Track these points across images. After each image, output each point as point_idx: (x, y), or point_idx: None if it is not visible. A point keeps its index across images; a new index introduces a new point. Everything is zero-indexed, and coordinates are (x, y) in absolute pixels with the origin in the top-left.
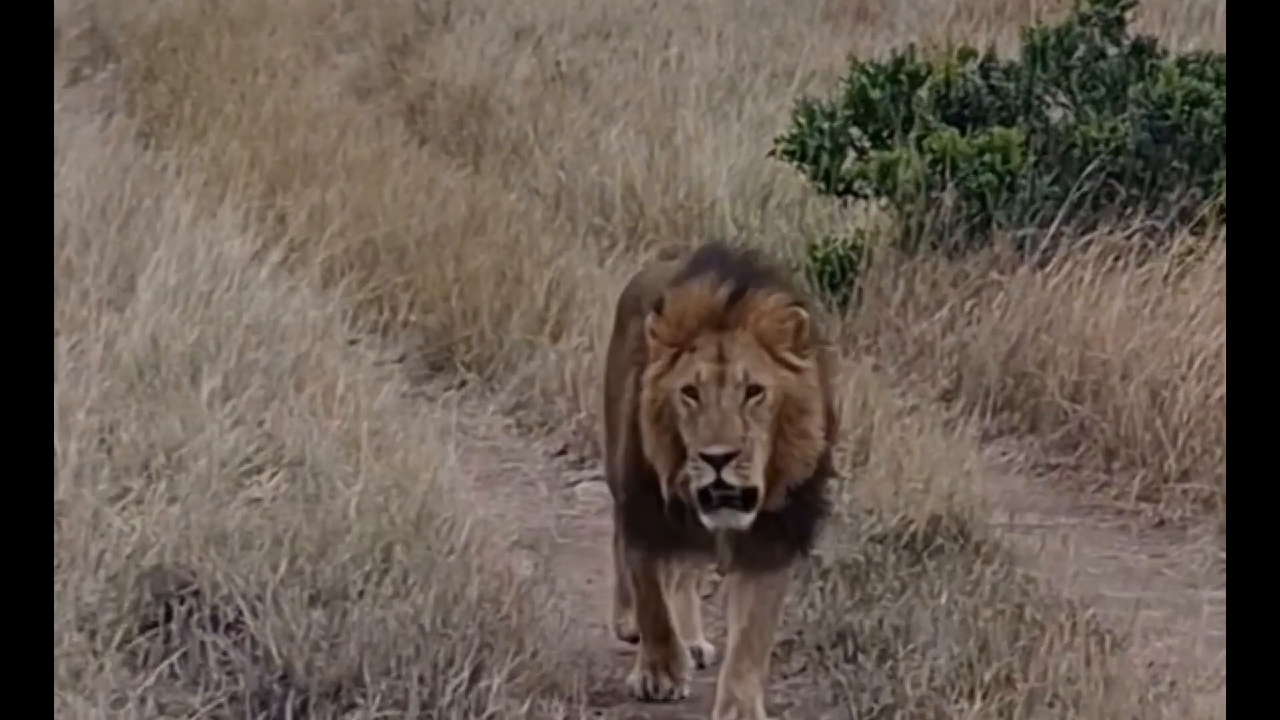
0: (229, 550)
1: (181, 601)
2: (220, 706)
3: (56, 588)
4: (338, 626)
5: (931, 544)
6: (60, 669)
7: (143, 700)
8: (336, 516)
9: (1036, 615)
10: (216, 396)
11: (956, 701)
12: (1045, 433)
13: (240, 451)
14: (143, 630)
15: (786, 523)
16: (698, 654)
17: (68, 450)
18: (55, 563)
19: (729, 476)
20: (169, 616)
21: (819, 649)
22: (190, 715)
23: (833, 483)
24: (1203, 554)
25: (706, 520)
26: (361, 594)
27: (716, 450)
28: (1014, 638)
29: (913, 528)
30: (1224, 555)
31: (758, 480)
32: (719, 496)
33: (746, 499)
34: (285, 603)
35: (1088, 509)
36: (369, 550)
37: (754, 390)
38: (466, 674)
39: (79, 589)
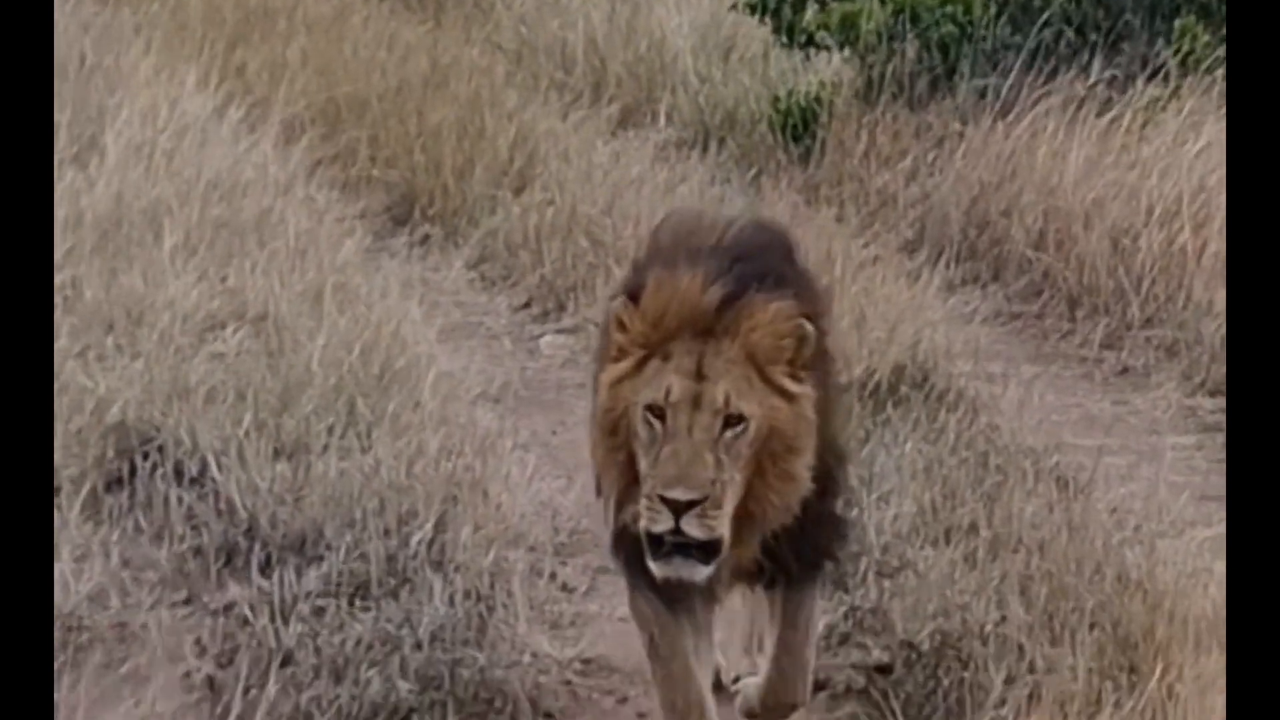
0: (192, 405)
1: (145, 456)
2: (185, 560)
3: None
4: (301, 479)
5: (895, 393)
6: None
7: (107, 554)
8: (299, 371)
9: (1000, 462)
10: (179, 253)
11: (921, 548)
12: (1008, 282)
13: (203, 307)
14: (106, 485)
15: (806, 543)
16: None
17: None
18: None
19: (690, 527)
20: (133, 471)
21: None
22: (155, 569)
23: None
24: (1165, 400)
25: (655, 568)
26: (325, 447)
27: (679, 495)
28: (978, 484)
29: (876, 377)
30: (1187, 401)
31: (723, 531)
32: (674, 545)
33: (707, 550)
34: (249, 456)
35: (1051, 357)
36: (332, 404)
37: (734, 420)
38: (430, 526)
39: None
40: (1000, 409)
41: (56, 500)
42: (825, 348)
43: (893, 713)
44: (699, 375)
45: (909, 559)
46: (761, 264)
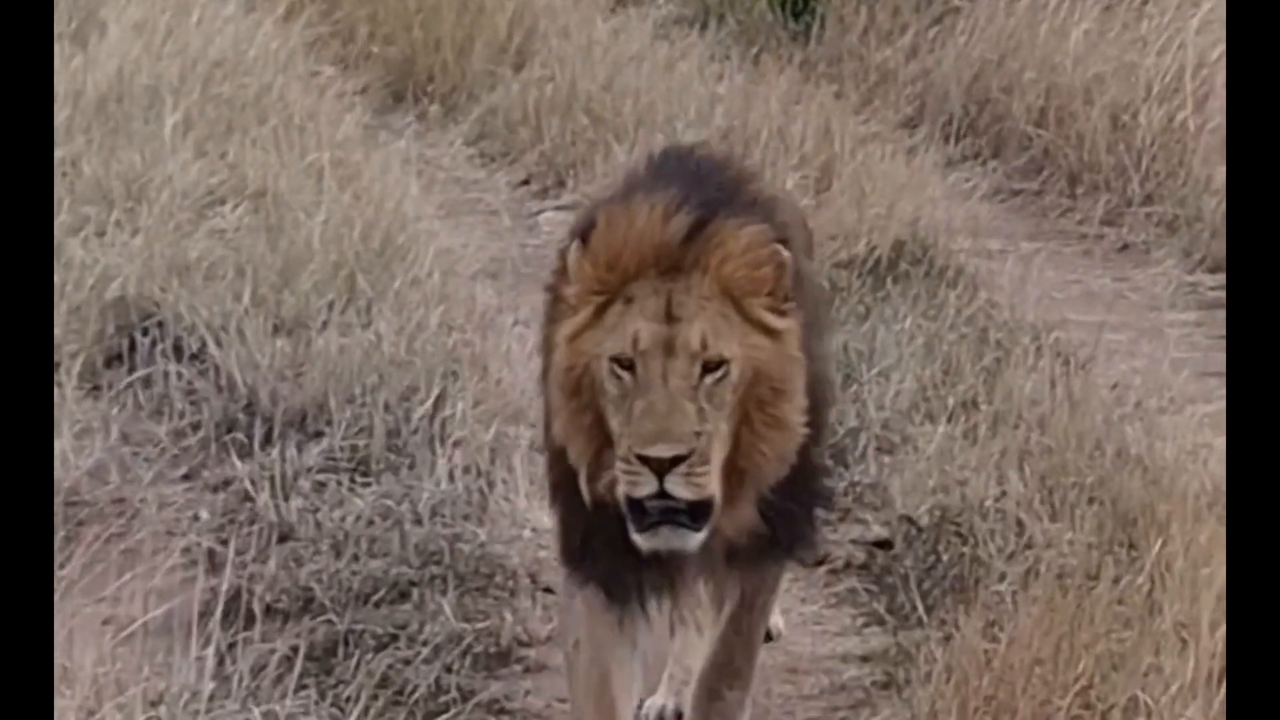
0: (192, 281)
1: (145, 332)
2: (185, 436)
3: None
4: (301, 355)
5: (895, 269)
6: None
7: (106, 430)
8: (299, 247)
9: (1000, 338)
10: (179, 129)
11: (921, 424)
12: (1008, 158)
13: (202, 183)
14: (106, 361)
15: (773, 515)
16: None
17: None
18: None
19: (675, 487)
20: (133, 347)
21: None
22: (155, 445)
23: (825, 463)
24: (1166, 277)
25: (640, 540)
26: (325, 323)
27: (660, 452)
28: (978, 360)
29: (876, 253)
30: (1187, 278)
31: (713, 489)
32: (659, 510)
33: (697, 513)
34: (249, 332)
35: (1051, 234)
36: (332, 280)
37: (714, 364)
38: (431, 401)
39: None
40: (1000, 285)
41: (56, 376)
42: (805, 276)
43: (892, 588)
44: (669, 317)
45: (909, 434)
46: (725, 188)
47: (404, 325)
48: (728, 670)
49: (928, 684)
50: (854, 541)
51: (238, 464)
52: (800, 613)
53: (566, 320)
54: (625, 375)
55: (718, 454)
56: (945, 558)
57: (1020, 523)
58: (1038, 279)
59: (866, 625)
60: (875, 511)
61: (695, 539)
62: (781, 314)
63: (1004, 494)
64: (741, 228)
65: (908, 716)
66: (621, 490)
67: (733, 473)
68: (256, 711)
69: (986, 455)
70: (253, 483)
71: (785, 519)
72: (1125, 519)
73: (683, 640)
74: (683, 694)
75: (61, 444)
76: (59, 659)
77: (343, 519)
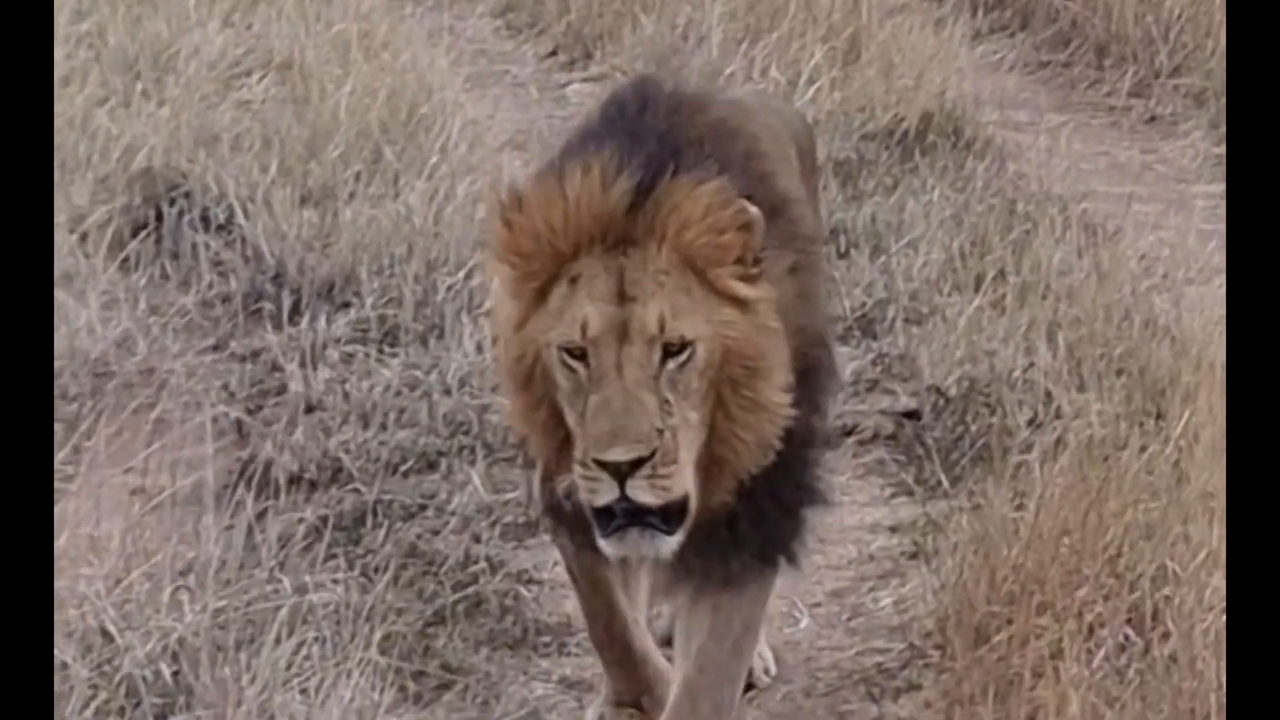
0: (219, 152)
1: (172, 203)
2: (212, 306)
3: None
4: (329, 226)
5: (923, 141)
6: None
7: (134, 301)
8: (326, 118)
9: (1028, 210)
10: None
11: (949, 295)
12: (1037, 30)
13: (229, 54)
14: (133, 232)
15: (747, 522)
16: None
17: (55, 55)
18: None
19: (639, 493)
20: (159, 218)
21: None
22: (182, 315)
23: (820, 454)
24: (1194, 149)
25: (606, 547)
26: (352, 194)
27: (618, 456)
28: (1006, 232)
29: (904, 125)
30: (1218, 149)
31: (685, 487)
32: (625, 513)
33: (669, 516)
34: (276, 203)
35: (1079, 105)
36: (359, 150)
37: (676, 347)
38: (460, 273)
39: (69, 191)
40: (1028, 157)
41: (83, 246)
42: (794, 217)
43: (920, 458)
44: (621, 297)
45: (937, 306)
46: (676, 135)
47: (432, 196)
48: (696, 709)
49: (955, 554)
50: (882, 412)
51: (266, 335)
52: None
53: (510, 304)
54: (577, 366)
55: (688, 448)
56: (973, 428)
57: (1048, 393)
58: (1065, 151)
59: (894, 496)
60: (903, 382)
61: (669, 543)
62: (752, 280)
63: (1032, 365)
64: (697, 186)
65: (936, 586)
66: (582, 497)
67: (711, 463)
68: (285, 581)
69: (1014, 326)
70: (281, 353)
71: (761, 520)
72: (1153, 389)
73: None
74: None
75: (88, 314)
76: (87, 529)
77: (371, 389)
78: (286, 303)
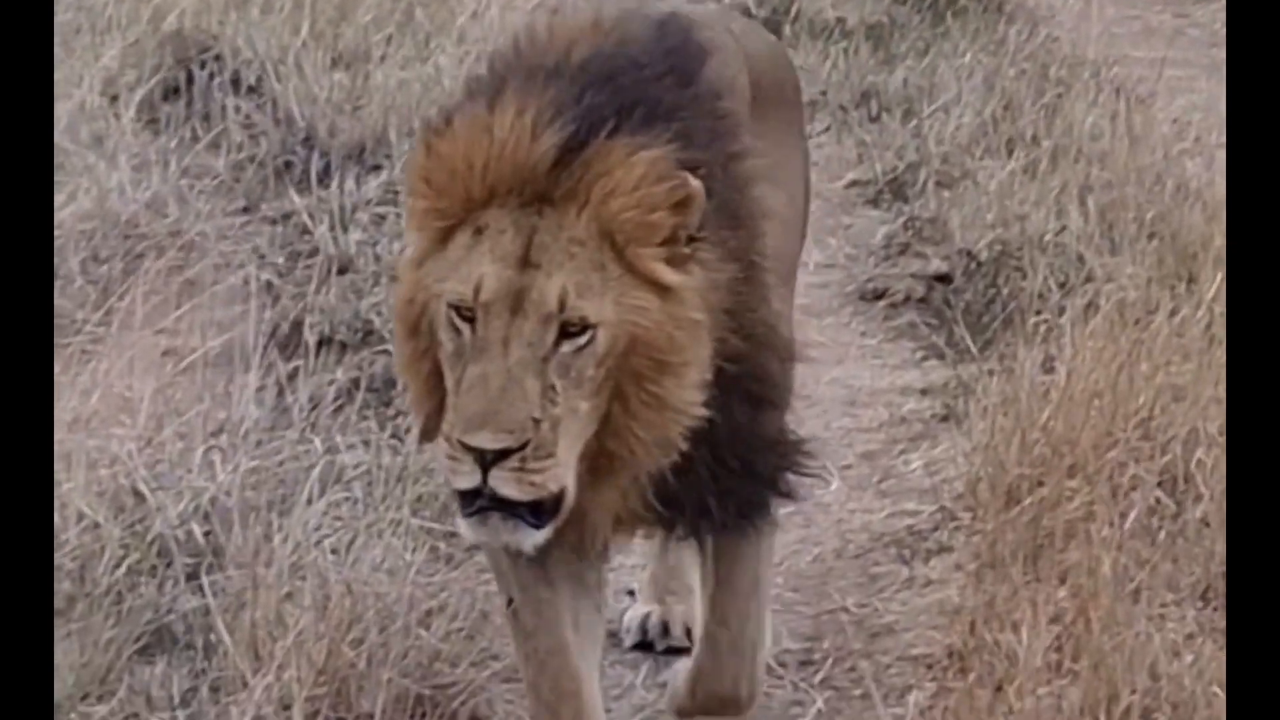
0: (249, 14)
1: (202, 65)
2: (243, 169)
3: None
4: (360, 89)
5: (955, 3)
6: (83, 133)
7: (165, 163)
8: None
9: (1061, 74)
10: None
11: (981, 159)
12: None
13: None
14: (164, 94)
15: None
16: None
17: None
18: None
19: (502, 485)
20: (190, 81)
21: (842, 109)
22: (213, 178)
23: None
24: (1225, 13)
25: (465, 530)
26: (383, 57)
27: (483, 442)
28: (1038, 96)
29: None
30: None
31: (559, 483)
32: (490, 499)
33: (539, 510)
34: (307, 65)
35: None
36: (390, 13)
37: (574, 328)
38: None
39: (99, 52)
40: (1060, 21)
41: (114, 108)
42: (751, 198)
43: (951, 321)
44: (524, 262)
45: (968, 169)
46: (629, 90)
47: (463, 59)
48: (718, 679)
49: (986, 416)
50: (913, 275)
51: (296, 197)
52: (860, 346)
53: (410, 238)
54: (464, 329)
55: (571, 440)
56: (1004, 292)
57: (1080, 257)
58: (1098, 15)
59: (925, 359)
60: (934, 246)
61: (533, 536)
62: (680, 264)
63: (1064, 228)
64: (634, 151)
65: (967, 448)
66: (443, 473)
67: (601, 457)
68: (316, 441)
69: (1046, 190)
70: (311, 216)
71: (745, 484)
72: (1184, 253)
73: (662, 544)
74: (669, 603)
75: (119, 177)
76: (119, 389)
77: (401, 250)
78: (317, 165)
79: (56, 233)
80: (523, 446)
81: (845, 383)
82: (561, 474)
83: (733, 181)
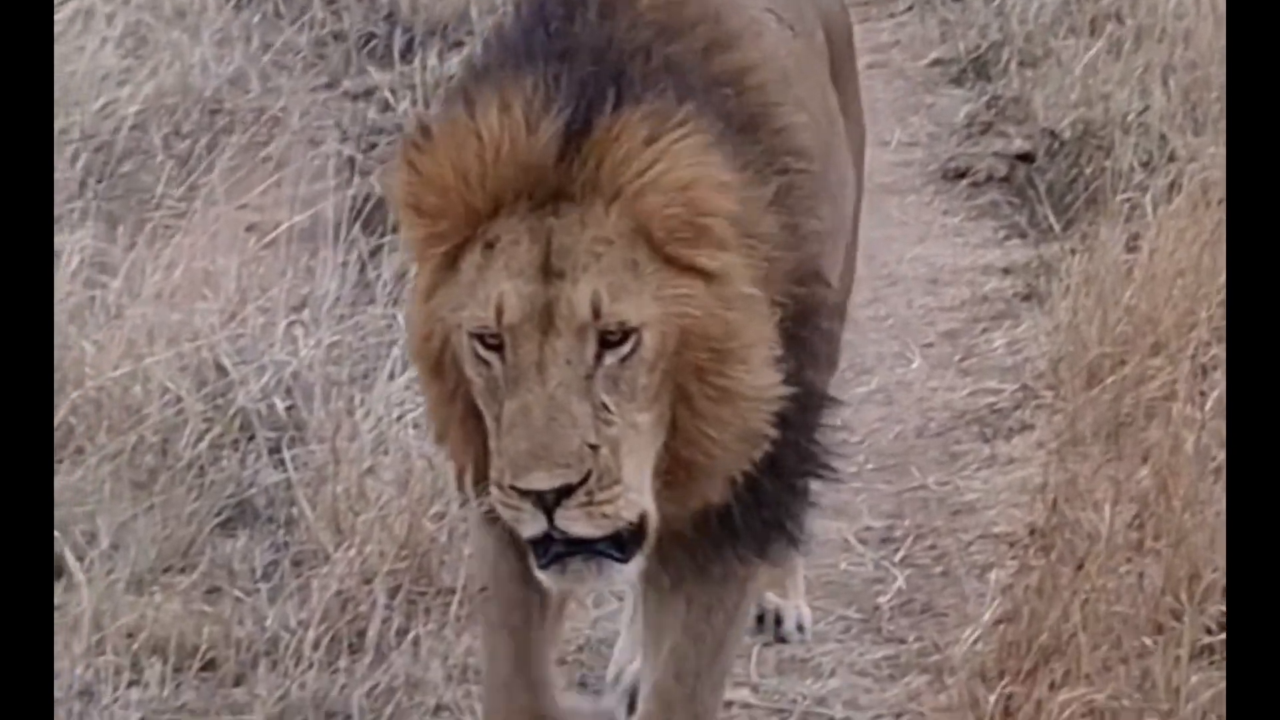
0: None
1: None
2: (325, 45)
3: None
4: None
5: None
6: (166, 8)
7: (247, 39)
8: None
9: None
10: None
11: (1064, 38)
12: None
13: None
14: None
15: (743, 506)
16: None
17: None
18: None
19: (572, 524)
20: None
21: None
22: (295, 54)
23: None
24: None
25: (546, 581)
26: None
27: (539, 483)
28: None
29: None
30: None
31: (637, 508)
32: (565, 542)
33: (623, 542)
34: None
35: None
36: None
37: (616, 336)
38: None
39: None
40: None
41: None
42: (780, 128)
43: (1033, 200)
44: (546, 271)
45: (1052, 48)
46: (616, 43)
47: None
48: (682, 692)
49: (1068, 295)
50: (996, 154)
51: (378, 73)
52: (942, 225)
53: (419, 268)
54: (493, 359)
55: (639, 459)
56: (1087, 171)
57: (1163, 136)
58: None
59: (1008, 238)
60: (1017, 125)
61: (624, 572)
62: (721, 243)
63: (1147, 108)
64: (659, 121)
65: (1049, 327)
66: (508, 521)
67: (679, 469)
68: (398, 316)
69: (1130, 69)
70: (393, 91)
71: (760, 502)
72: None
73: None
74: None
75: (202, 52)
76: (202, 264)
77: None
78: (399, 41)
79: (140, 107)
80: (585, 479)
81: (927, 261)
82: (636, 498)
83: (747, 94)
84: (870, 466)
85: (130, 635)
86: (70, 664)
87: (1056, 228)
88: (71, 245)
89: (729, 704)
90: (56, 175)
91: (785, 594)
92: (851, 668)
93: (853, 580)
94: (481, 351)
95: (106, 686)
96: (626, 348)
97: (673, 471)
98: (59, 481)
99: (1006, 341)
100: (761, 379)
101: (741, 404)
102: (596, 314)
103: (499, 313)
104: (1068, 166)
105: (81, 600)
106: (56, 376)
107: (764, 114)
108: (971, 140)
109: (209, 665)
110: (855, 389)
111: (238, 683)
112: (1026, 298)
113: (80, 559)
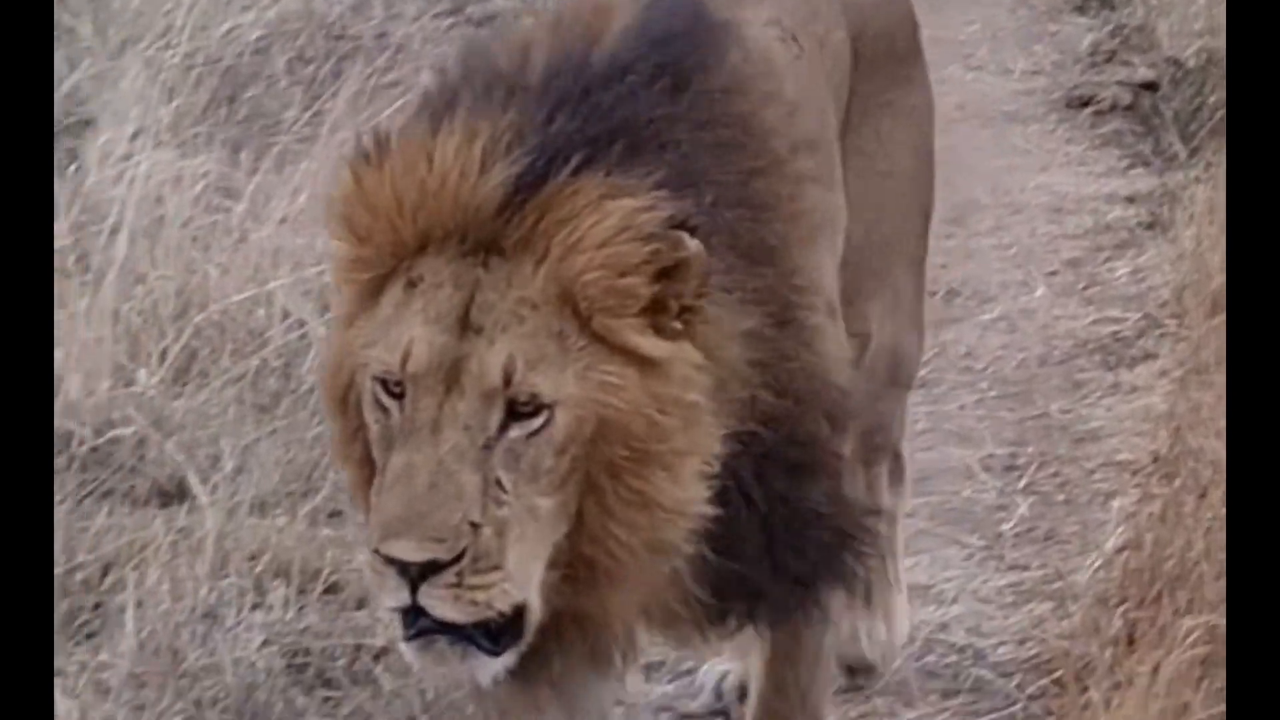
0: None
1: None
2: None
3: None
4: None
5: None
6: None
7: None
8: None
9: None
10: None
11: None
12: None
13: None
14: None
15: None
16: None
17: None
18: None
19: (436, 606)
20: None
21: None
22: None
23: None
24: None
25: (409, 655)
26: None
27: (406, 554)
28: None
29: None
30: None
31: (514, 598)
32: (431, 622)
33: (495, 633)
34: None
35: None
36: None
37: (525, 409)
38: None
39: None
40: None
41: None
42: (784, 220)
43: (1157, 129)
44: (464, 325)
45: None
46: (607, 109)
47: None
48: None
49: (1192, 224)
50: (1120, 83)
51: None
52: (1065, 153)
53: (339, 292)
54: (392, 407)
55: (528, 546)
56: (1211, 100)
57: None
58: None
59: (1131, 166)
60: (1142, 54)
61: (490, 666)
62: (667, 329)
63: None
64: (609, 197)
65: (1173, 256)
66: (369, 589)
67: (579, 563)
68: None
69: None
70: (515, 17)
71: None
72: None
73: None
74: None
75: None
76: (326, 189)
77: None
78: None
79: (263, 32)
80: (458, 558)
81: (1051, 189)
82: (513, 589)
83: (755, 204)
84: (993, 394)
85: (253, 558)
86: (194, 586)
87: (1181, 156)
88: (195, 170)
89: None
90: (181, 100)
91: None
92: (974, 595)
93: (975, 507)
94: (383, 397)
95: (230, 609)
96: (536, 423)
97: (573, 566)
98: (183, 404)
99: (1130, 270)
100: (685, 492)
101: (657, 513)
102: (508, 380)
103: (405, 359)
104: (1191, 95)
105: (205, 523)
106: (180, 300)
107: (781, 246)
108: (1095, 69)
109: (332, 589)
110: (979, 316)
111: (360, 606)
112: (1150, 226)
113: (204, 482)
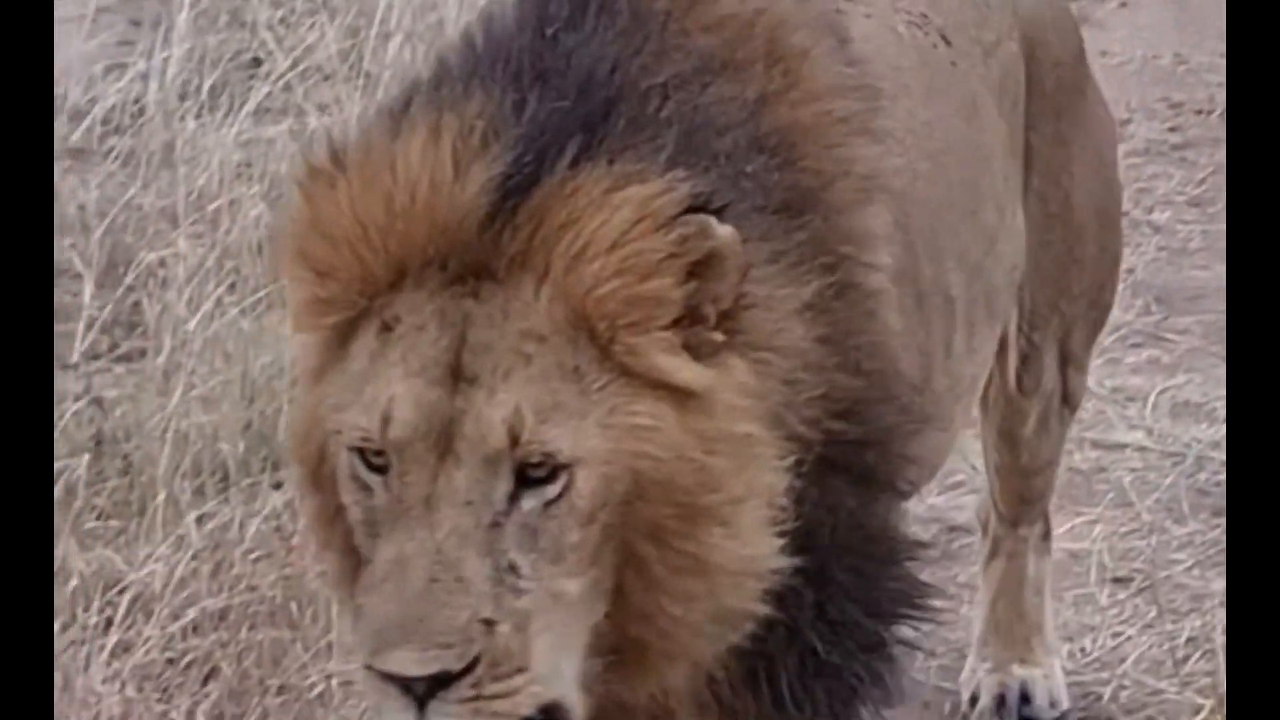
0: None
1: None
2: None
3: None
4: None
5: None
6: None
7: None
8: None
9: None
10: None
11: None
12: None
13: None
14: None
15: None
16: None
17: None
18: None
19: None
20: None
21: None
22: None
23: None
24: None
25: None
26: None
27: (405, 668)
28: None
29: None
30: None
31: (544, 696)
32: None
33: None
34: None
35: None
36: None
37: (538, 473)
38: None
39: None
40: None
41: None
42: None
43: None
44: (455, 373)
45: None
46: (600, 82)
47: None
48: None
49: None
50: None
51: None
52: None
53: (302, 342)
54: (375, 483)
55: (558, 637)
56: None
57: None
58: None
59: None
60: None
61: None
62: (710, 352)
63: None
64: (616, 185)
65: None
66: (368, 705)
67: (628, 647)
68: None
69: None
70: None
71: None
72: None
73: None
74: (1023, 668)
75: None
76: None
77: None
78: None
79: None
80: (471, 666)
81: None
82: (542, 690)
83: (772, 144)
84: None
85: None
86: None
87: None
88: None
89: (1123, 446)
90: None
91: (1032, 660)
92: None
93: None
94: (362, 473)
95: None
96: (553, 489)
97: (620, 651)
98: None
99: None
100: (748, 546)
101: (720, 578)
102: (515, 440)
103: (385, 423)
104: None
105: None
106: None
107: (822, 187)
108: None
109: None
110: None
111: None
112: None
113: None
